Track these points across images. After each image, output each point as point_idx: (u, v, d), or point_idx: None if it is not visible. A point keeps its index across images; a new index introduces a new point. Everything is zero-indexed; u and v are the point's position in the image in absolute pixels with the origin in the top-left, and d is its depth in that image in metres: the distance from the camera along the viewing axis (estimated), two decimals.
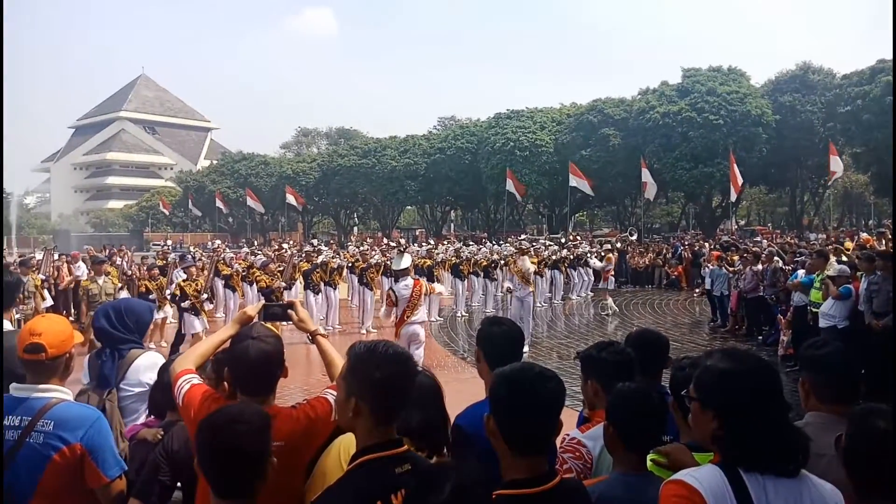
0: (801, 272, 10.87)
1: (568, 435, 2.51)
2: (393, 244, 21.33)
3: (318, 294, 13.90)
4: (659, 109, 35.16)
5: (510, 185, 36.48)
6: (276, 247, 22.59)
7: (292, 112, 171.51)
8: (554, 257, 19.23)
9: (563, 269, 19.75)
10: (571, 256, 20.39)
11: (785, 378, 1.88)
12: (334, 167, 50.14)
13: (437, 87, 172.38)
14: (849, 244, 16.80)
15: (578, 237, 29.60)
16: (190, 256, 16.13)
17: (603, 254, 22.96)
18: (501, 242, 24.90)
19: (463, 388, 8.65)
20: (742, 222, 52.78)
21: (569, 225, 43.53)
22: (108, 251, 22.30)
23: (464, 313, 16.94)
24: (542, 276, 18.19)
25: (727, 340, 13.06)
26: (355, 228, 58.53)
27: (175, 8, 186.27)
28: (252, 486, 1.88)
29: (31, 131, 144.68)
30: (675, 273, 23.34)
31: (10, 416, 2.42)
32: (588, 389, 2.67)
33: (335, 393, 2.37)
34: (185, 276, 11.57)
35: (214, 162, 66.32)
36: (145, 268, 14.15)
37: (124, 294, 11.83)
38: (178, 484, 2.60)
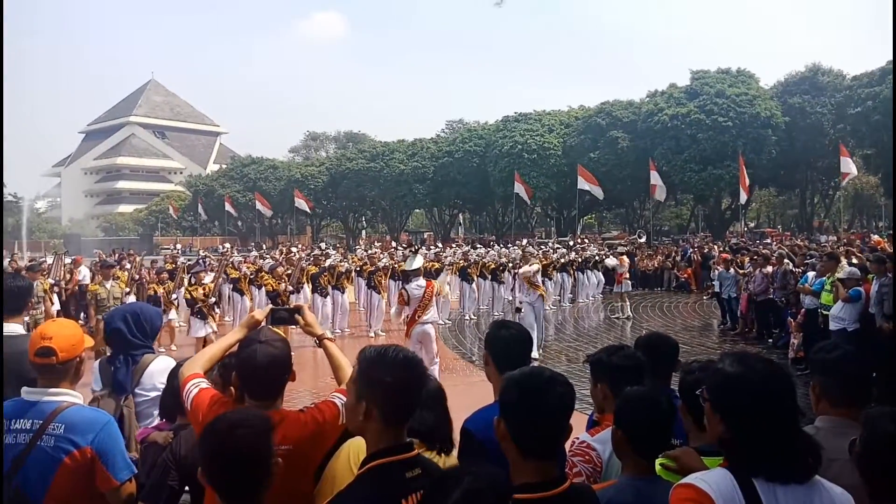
0: (811, 274, 10.82)
1: (577, 438, 2.51)
2: (402, 247, 21.34)
3: (326, 297, 13.93)
4: (667, 112, 35.08)
5: (518, 188, 36.47)
6: (285, 250, 22.64)
7: (301, 116, 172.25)
8: (563, 260, 19.20)
9: (572, 271, 19.70)
10: (580, 259, 20.35)
11: (795, 381, 1.85)
12: (343, 171, 50.27)
13: (446, 91, 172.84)
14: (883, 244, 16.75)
15: (587, 240, 29.54)
16: (201, 261, 16.19)
17: (616, 257, 22.84)
18: (510, 245, 24.87)
19: (471, 391, 8.65)
20: (752, 224, 52.57)
21: (577, 228, 43.42)
22: (117, 255, 22.41)
23: (472, 316, 16.94)
24: (551, 279, 18.16)
25: (737, 343, 12.98)
26: (363, 232, 58.62)
27: (184, 14, 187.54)
28: (257, 490, 1.89)
29: (41, 136, 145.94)
30: (685, 276, 23.26)
31: (21, 420, 2.44)
32: (598, 393, 2.66)
33: (343, 397, 2.38)
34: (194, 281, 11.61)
35: (223, 166, 66.64)
36: (154, 271, 14.20)
37: (131, 298, 11.87)
38: (187, 488, 2.61)
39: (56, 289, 12.93)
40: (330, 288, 14.16)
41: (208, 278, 11.70)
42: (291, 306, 2.82)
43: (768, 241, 27.47)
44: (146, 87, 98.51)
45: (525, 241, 27.99)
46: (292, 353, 2.46)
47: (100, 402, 3.15)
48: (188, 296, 11.11)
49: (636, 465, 2.15)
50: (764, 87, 37.09)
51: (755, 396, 1.69)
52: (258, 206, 49.12)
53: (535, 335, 11.48)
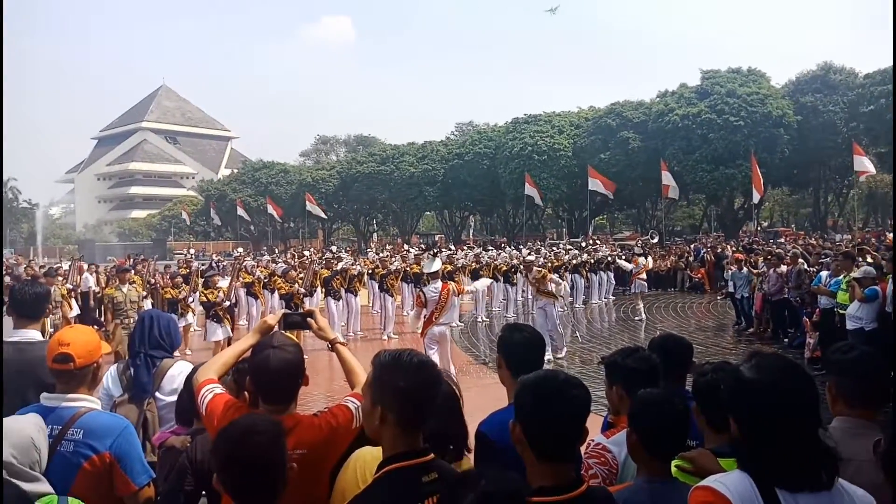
0: (824, 274, 10.74)
1: (593, 440, 2.51)
2: (413, 250, 21.37)
3: (338, 301, 13.97)
4: (678, 112, 34.92)
5: (529, 190, 36.42)
6: (298, 254, 22.74)
7: (311, 120, 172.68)
8: (574, 261, 19.15)
9: (584, 273, 19.65)
10: (592, 260, 20.28)
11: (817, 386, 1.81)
12: (353, 174, 50.39)
13: (455, 93, 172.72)
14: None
15: (598, 241, 29.43)
16: (215, 265, 16.30)
17: (631, 258, 22.64)
18: (521, 247, 24.84)
19: (484, 394, 8.65)
20: (765, 224, 52.18)
21: (589, 228, 43.27)
22: (131, 260, 22.60)
23: (484, 318, 16.92)
24: (562, 281, 18.12)
25: (752, 343, 12.89)
26: (375, 235, 58.70)
27: (194, 20, 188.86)
28: (272, 495, 1.90)
29: (55, 143, 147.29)
30: (698, 276, 23.13)
31: (53, 426, 2.46)
32: (613, 395, 2.66)
33: (357, 401, 2.39)
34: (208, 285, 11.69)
35: (235, 171, 66.96)
36: (168, 276, 14.31)
37: (148, 302, 11.98)
38: (204, 492, 2.63)
39: (73, 294, 13.05)
40: (342, 291, 14.20)
41: (223, 282, 11.78)
42: (304, 311, 2.83)
43: (782, 240, 27.27)
44: (158, 92, 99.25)
45: (528, 246, 27.90)
46: (305, 358, 2.47)
47: (119, 408, 3.19)
48: (203, 299, 11.19)
49: (651, 466, 2.14)
50: (775, 87, 36.84)
51: (771, 401, 1.67)
52: (270, 210, 49.34)
53: (555, 339, 11.50)
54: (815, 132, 34.39)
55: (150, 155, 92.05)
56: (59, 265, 17.07)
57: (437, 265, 9.92)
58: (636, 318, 16.13)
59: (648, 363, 2.62)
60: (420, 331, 9.04)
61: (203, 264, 18.89)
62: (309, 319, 2.72)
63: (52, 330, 8.38)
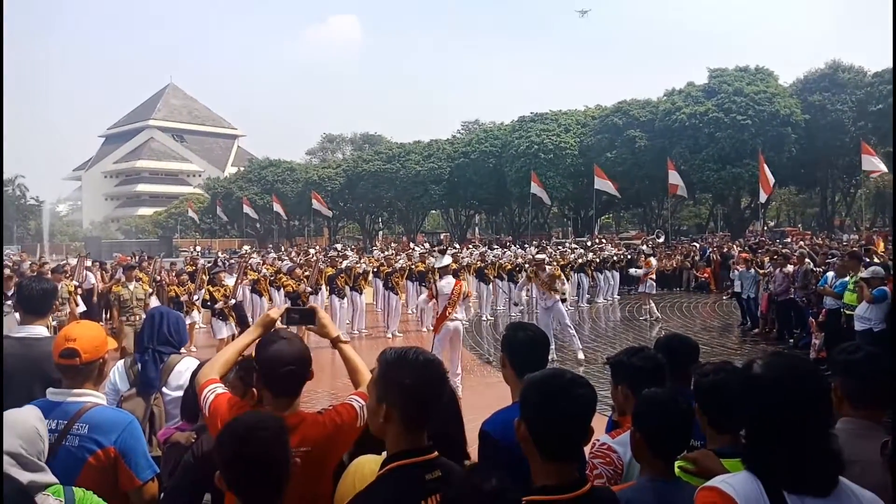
0: (830, 275, 10.69)
1: (598, 440, 2.50)
2: (418, 249, 21.36)
3: (343, 299, 13.98)
4: (685, 110, 34.82)
5: (535, 188, 36.38)
6: (304, 252, 22.78)
7: (317, 118, 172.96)
8: (580, 260, 19.11)
9: (589, 272, 19.61)
10: (597, 260, 20.24)
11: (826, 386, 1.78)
12: (359, 172, 50.43)
13: (461, 92, 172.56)
14: (881, 245, 16.44)
15: (604, 240, 29.39)
16: (221, 262, 16.34)
17: (637, 257, 22.49)
18: (526, 246, 24.81)
19: (488, 393, 8.65)
20: (771, 223, 52.00)
21: (595, 227, 43.21)
22: (137, 258, 22.67)
23: (489, 317, 16.92)
24: (568, 280, 18.09)
25: (757, 344, 12.86)
26: (380, 233, 58.75)
27: (201, 18, 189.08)
28: (276, 491, 1.91)
29: (63, 140, 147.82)
30: (704, 275, 23.06)
31: (46, 420, 2.47)
32: (618, 395, 2.66)
33: (361, 399, 2.39)
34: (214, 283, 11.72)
35: (241, 169, 67.11)
36: (174, 274, 14.35)
37: (154, 299, 12.02)
38: (207, 489, 2.63)
39: (80, 291, 13.11)
40: (347, 289, 14.21)
41: (230, 280, 11.82)
42: (307, 307, 2.81)
43: (788, 240, 27.17)
44: (165, 90, 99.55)
45: (535, 245, 27.86)
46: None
47: (126, 402, 3.21)
48: (208, 297, 11.22)
49: (655, 466, 2.14)
50: (783, 85, 36.69)
51: (780, 399, 1.65)
52: (276, 208, 49.44)
53: (550, 337, 11.48)
54: (823, 131, 34.24)
55: (156, 153, 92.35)
56: (65, 262, 17.14)
57: (447, 260, 10.13)
58: (651, 317, 16.02)
59: (654, 363, 2.61)
60: (433, 327, 9.09)
61: (209, 262, 18.93)
62: (312, 316, 2.70)
63: (55, 325, 8.42)
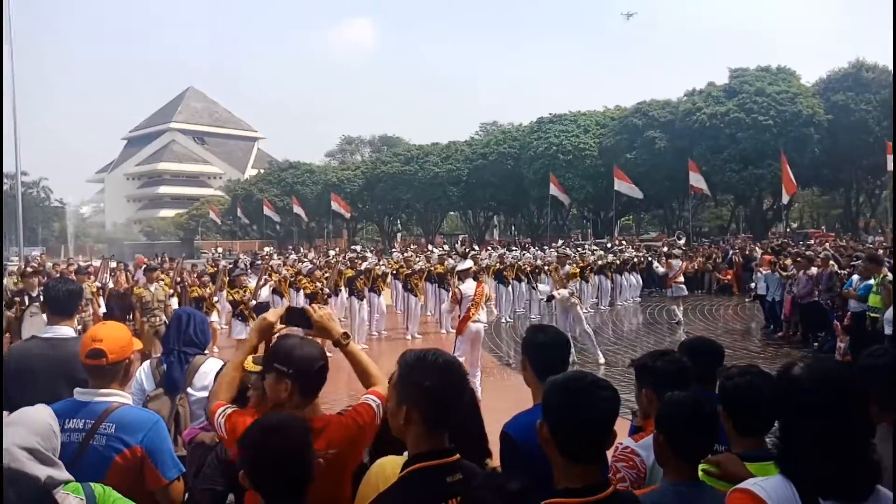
0: (855, 277, 10.55)
1: (621, 444, 2.49)
2: (437, 251, 21.38)
3: (362, 301, 14.02)
4: (706, 111, 34.49)
5: (553, 190, 36.24)
6: (323, 253, 22.89)
7: (336, 121, 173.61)
8: (600, 262, 19.01)
9: (610, 274, 19.50)
10: (618, 262, 20.12)
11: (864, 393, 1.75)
12: (378, 174, 50.60)
13: (479, 94, 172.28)
14: None
15: (624, 242, 29.21)
16: (243, 265, 16.48)
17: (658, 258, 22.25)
18: (546, 248, 24.72)
19: (507, 395, 8.62)
20: (794, 225, 51.35)
21: (614, 229, 42.95)
22: (159, 259, 22.91)
23: (508, 319, 16.88)
24: (587, 282, 18.02)
25: (781, 347, 12.72)
26: (399, 235, 58.87)
27: (221, 22, 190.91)
28: (300, 491, 1.93)
29: (86, 143, 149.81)
30: (727, 278, 22.83)
31: (73, 419, 2.52)
32: (642, 398, 2.64)
33: (377, 398, 2.40)
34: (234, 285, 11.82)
35: (261, 171, 67.60)
36: (196, 275, 14.49)
37: (175, 301, 12.15)
38: (232, 489, 2.66)
39: (102, 292, 13.28)
40: (367, 291, 14.25)
41: (251, 282, 11.94)
42: (301, 307, 2.72)
43: (811, 242, 26.83)
44: (186, 93, 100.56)
45: (561, 242, 27.78)
46: (330, 355, 2.48)
47: (152, 402, 3.25)
48: (230, 298, 11.32)
49: (678, 470, 2.12)
50: (805, 85, 36.21)
51: (819, 402, 1.63)
52: (296, 209, 49.76)
53: (588, 339, 11.49)
54: (847, 131, 33.73)
55: (178, 155, 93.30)
56: (89, 263, 17.38)
57: (469, 263, 10.27)
58: (674, 320, 15.89)
59: (678, 366, 2.59)
60: (456, 329, 9.14)
61: (230, 263, 19.09)
62: (312, 316, 2.57)
63: (79, 327, 8.53)
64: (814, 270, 12.50)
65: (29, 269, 14.23)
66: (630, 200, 37.72)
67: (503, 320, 16.72)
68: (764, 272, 14.64)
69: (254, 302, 11.33)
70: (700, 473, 2.16)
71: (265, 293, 12.38)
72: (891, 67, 35.10)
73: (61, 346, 3.41)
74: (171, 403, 3.25)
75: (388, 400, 2.05)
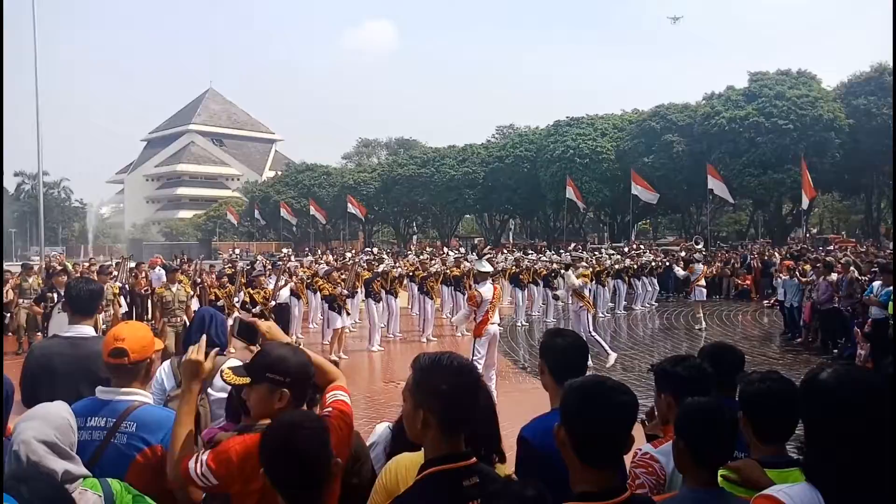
0: (877, 283, 10.41)
1: (640, 450, 2.48)
2: (452, 253, 21.40)
3: (379, 302, 14.07)
4: (725, 115, 34.26)
5: (570, 193, 36.15)
6: (340, 255, 22.98)
7: (353, 123, 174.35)
8: (617, 266, 18.93)
9: (627, 278, 19.40)
10: (635, 266, 20.01)
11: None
12: (394, 177, 50.72)
13: (495, 96, 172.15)
14: None
15: (642, 246, 29.04)
16: (262, 266, 16.60)
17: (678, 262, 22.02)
18: (562, 251, 24.65)
19: (524, 399, 8.61)
20: (814, 230, 50.78)
21: (631, 233, 42.72)
22: (178, 260, 23.13)
23: (524, 323, 16.84)
24: (604, 286, 17.95)
25: (800, 354, 12.59)
26: (415, 237, 58.98)
27: (240, 24, 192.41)
28: (319, 488, 1.95)
29: (105, 144, 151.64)
30: (745, 283, 22.64)
31: (95, 418, 2.55)
32: (661, 404, 2.63)
33: (344, 393, 2.47)
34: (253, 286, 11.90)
35: (279, 173, 68.03)
36: (214, 276, 14.60)
37: (195, 301, 12.26)
38: None
39: (123, 292, 13.44)
40: (383, 293, 14.30)
41: (272, 283, 12.02)
42: (250, 321, 2.67)
43: (831, 247, 26.51)
44: (205, 95, 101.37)
45: (573, 246, 27.67)
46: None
47: (173, 401, 3.28)
48: (248, 300, 11.40)
49: (698, 476, 2.10)
50: (826, 89, 35.85)
51: (846, 406, 1.60)
52: (312, 211, 49.99)
53: (598, 342, 11.45)
54: (868, 136, 33.31)
55: (196, 157, 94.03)
56: (110, 263, 17.58)
57: (488, 266, 10.27)
58: (696, 326, 15.75)
59: (698, 372, 2.57)
60: (473, 331, 9.17)
61: (248, 264, 19.23)
62: (259, 328, 2.56)
63: (103, 327, 8.66)
64: (834, 276, 12.36)
65: (57, 268, 14.43)
66: (647, 204, 37.53)
67: (519, 324, 16.69)
68: (783, 278, 14.50)
69: (273, 303, 11.40)
70: (720, 480, 2.14)
71: (284, 294, 12.49)
72: None
73: (82, 344, 3.45)
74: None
75: (403, 403, 2.06)
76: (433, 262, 17.92)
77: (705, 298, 16.51)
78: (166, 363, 3.67)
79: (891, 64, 35.46)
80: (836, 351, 12.13)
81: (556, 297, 11.96)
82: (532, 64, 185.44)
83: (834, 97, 34.88)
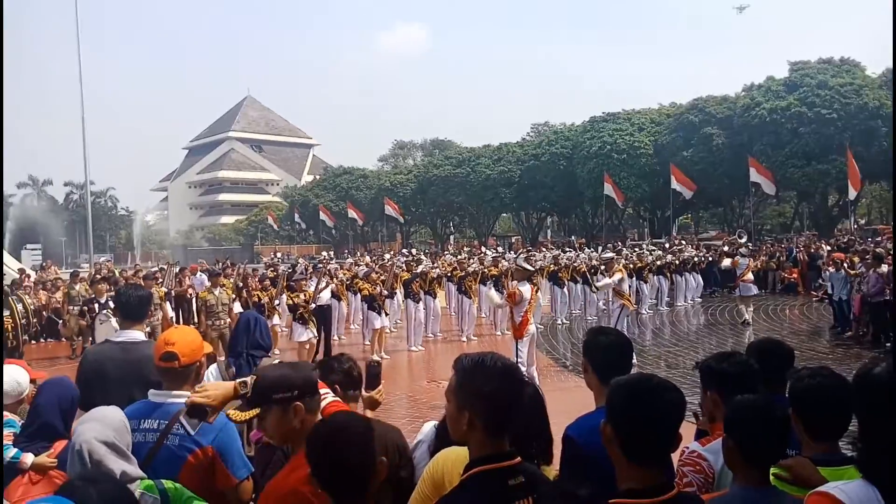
0: None
1: (687, 448, 2.45)
2: (490, 252, 21.38)
3: (418, 303, 14.13)
4: (765, 106, 33.51)
5: (608, 190, 35.77)
6: (379, 256, 23.16)
7: (388, 125, 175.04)
8: (658, 262, 18.67)
9: (668, 274, 19.14)
10: (677, 261, 19.73)
11: None
12: (430, 177, 50.86)
13: (529, 94, 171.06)
14: None
15: (683, 241, 28.59)
16: (304, 269, 16.81)
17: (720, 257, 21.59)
18: (601, 248, 24.41)
19: (566, 398, 8.56)
20: (862, 221, 49.30)
21: (672, 228, 42.06)
22: (221, 264, 23.56)
23: (564, 321, 16.74)
24: (646, 283, 17.75)
25: (850, 348, 12.26)
26: (452, 237, 59.06)
27: (276, 31, 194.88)
28: (364, 489, 1.98)
29: (149, 153, 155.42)
30: (792, 276, 22.13)
31: (148, 420, 2.63)
32: (707, 401, 2.59)
33: (327, 388, 2.48)
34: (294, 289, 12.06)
35: (317, 177, 68.83)
36: (257, 279, 14.85)
37: (238, 305, 12.48)
38: None
39: (169, 297, 13.76)
40: (422, 293, 14.36)
41: (313, 285, 12.18)
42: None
43: (880, 238, 25.71)
44: (243, 103, 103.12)
45: (601, 248, 27.35)
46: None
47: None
48: (290, 302, 11.57)
49: (748, 474, 2.07)
50: (871, 76, 34.79)
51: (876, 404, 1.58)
52: (351, 214, 50.47)
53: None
54: None
55: (237, 163, 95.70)
56: (156, 269, 18.02)
57: (527, 263, 10.35)
58: (741, 321, 15.47)
59: (745, 367, 2.53)
60: (513, 333, 9.14)
61: (289, 268, 19.52)
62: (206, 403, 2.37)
63: (149, 330, 8.89)
64: (884, 268, 12.00)
65: (98, 277, 14.86)
66: (688, 199, 36.95)
67: (559, 322, 16.60)
68: (831, 270, 14.13)
69: (313, 305, 11.55)
70: (771, 478, 2.10)
71: (325, 296, 12.64)
72: None
73: (133, 349, 3.56)
74: (241, 405, 3.36)
75: (447, 404, 2.07)
76: (471, 261, 17.93)
77: (754, 293, 16.10)
78: (213, 366, 3.75)
79: None
80: (888, 345, 11.79)
81: (595, 290, 11.88)
82: (566, 61, 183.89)
83: (880, 84, 33.83)
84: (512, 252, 22.95)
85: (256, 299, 12.51)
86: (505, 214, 57.08)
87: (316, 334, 11.51)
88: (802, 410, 2.27)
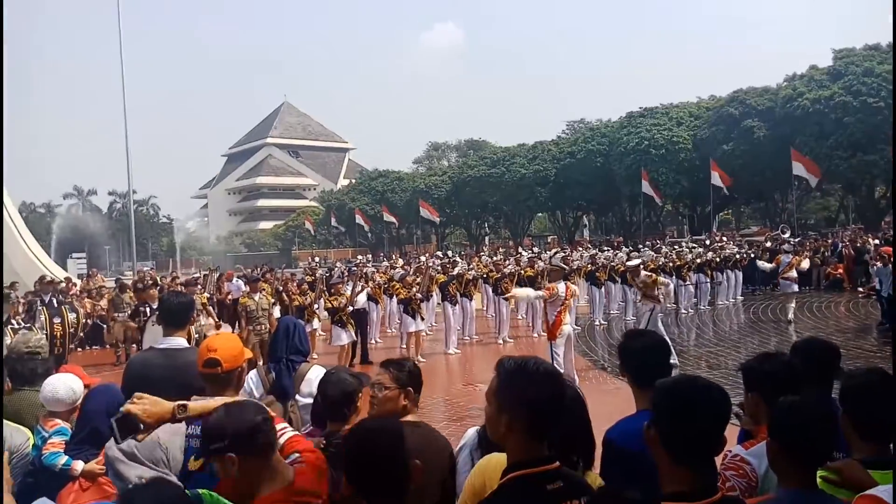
0: None
1: (730, 451, 2.41)
2: (526, 253, 21.28)
3: (455, 305, 14.14)
4: (808, 96, 32.67)
5: (646, 187, 35.30)
6: (415, 258, 23.24)
7: (423, 127, 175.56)
8: (699, 260, 18.35)
9: (709, 272, 18.78)
10: (718, 259, 19.35)
11: None
12: (464, 178, 50.88)
13: (564, 91, 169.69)
14: None
15: (724, 237, 28.06)
16: (342, 273, 16.97)
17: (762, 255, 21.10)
18: (640, 247, 24.07)
19: (605, 400, 8.47)
20: None
21: (712, 225, 41.29)
22: (261, 270, 23.92)
23: (602, 322, 16.56)
24: (685, 281, 17.47)
25: None
26: (487, 238, 58.96)
27: (311, 36, 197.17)
28: (399, 492, 1.99)
29: (189, 161, 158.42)
30: (837, 272, 21.53)
31: (192, 425, 2.68)
32: (750, 403, 2.54)
33: (291, 429, 2.52)
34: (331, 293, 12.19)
35: (353, 181, 69.42)
36: (296, 283, 15.04)
37: (277, 309, 12.66)
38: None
39: (211, 303, 14.02)
40: (458, 295, 14.37)
41: (349, 288, 12.29)
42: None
43: None
44: (280, 109, 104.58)
45: (624, 251, 26.94)
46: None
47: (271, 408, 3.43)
48: (328, 306, 11.68)
49: (794, 477, 2.02)
50: None
51: None
52: (386, 217, 50.78)
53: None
54: None
55: (274, 169, 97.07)
56: (198, 275, 18.39)
57: (561, 263, 10.50)
58: (783, 319, 15.10)
59: (788, 369, 2.48)
60: (547, 334, 9.10)
61: (326, 272, 19.74)
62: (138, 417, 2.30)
63: (197, 336, 9.08)
64: None
65: (149, 282, 15.21)
66: (728, 194, 36.24)
67: (597, 322, 16.44)
68: (879, 266, 13.72)
69: (351, 308, 11.64)
70: (819, 481, 2.05)
71: (362, 299, 12.74)
72: None
73: (176, 355, 3.63)
74: (283, 410, 3.41)
75: (487, 406, 2.07)
76: (507, 262, 17.87)
77: (795, 290, 15.68)
78: (253, 372, 3.82)
79: None
80: None
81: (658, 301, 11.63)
82: (601, 57, 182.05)
83: None
84: (548, 252, 22.79)
85: (297, 304, 12.66)
86: (540, 214, 56.77)
87: (354, 337, 11.60)
88: (853, 411, 2.22)
